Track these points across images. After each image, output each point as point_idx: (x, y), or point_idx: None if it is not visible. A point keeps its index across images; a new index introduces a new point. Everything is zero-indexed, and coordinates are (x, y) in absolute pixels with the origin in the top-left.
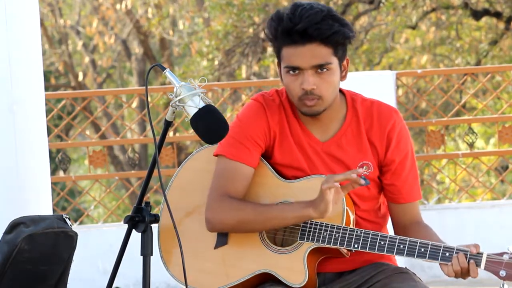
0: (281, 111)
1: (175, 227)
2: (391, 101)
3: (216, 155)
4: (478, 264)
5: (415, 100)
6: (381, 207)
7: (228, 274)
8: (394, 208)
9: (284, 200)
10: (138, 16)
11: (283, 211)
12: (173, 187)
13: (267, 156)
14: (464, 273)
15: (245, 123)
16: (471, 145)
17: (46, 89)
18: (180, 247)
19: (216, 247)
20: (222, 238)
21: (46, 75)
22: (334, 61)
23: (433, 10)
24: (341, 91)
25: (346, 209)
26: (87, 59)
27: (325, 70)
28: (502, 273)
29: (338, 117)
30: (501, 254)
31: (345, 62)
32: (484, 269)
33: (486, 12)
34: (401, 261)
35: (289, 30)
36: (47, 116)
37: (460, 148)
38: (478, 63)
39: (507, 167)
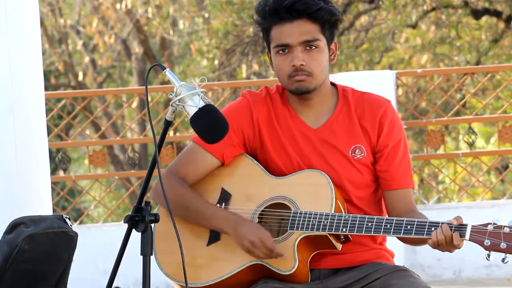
0: (268, 103)
1: (174, 226)
2: (391, 101)
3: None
4: (463, 235)
5: (415, 99)
6: (378, 202)
7: (220, 267)
8: (388, 196)
9: (278, 195)
10: (138, 15)
11: (211, 216)
12: None
13: (258, 151)
14: (448, 243)
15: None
16: (471, 145)
17: (46, 88)
18: (180, 246)
19: (208, 244)
20: (215, 235)
21: (46, 75)
22: (322, 39)
23: (433, 9)
24: (332, 84)
25: (335, 199)
26: (87, 59)
27: (313, 47)
28: (487, 242)
29: (329, 105)
30: (486, 225)
31: (333, 46)
32: (469, 239)
33: (486, 11)
34: (400, 261)
35: (276, 8)
36: (47, 116)
37: (460, 148)
38: (478, 62)
39: (507, 167)
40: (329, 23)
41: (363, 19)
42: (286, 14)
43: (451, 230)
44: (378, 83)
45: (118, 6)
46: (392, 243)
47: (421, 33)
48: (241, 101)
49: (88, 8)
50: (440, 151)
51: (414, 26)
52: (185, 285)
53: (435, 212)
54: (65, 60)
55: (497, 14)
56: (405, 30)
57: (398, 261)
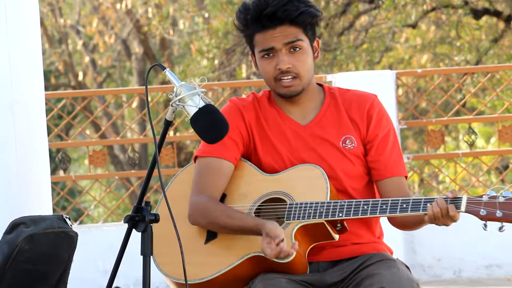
0: (256, 106)
1: (175, 226)
2: (391, 101)
3: (194, 160)
4: (458, 207)
5: (415, 99)
6: (373, 195)
7: (219, 262)
8: (382, 186)
9: (272, 191)
10: (138, 15)
11: (243, 221)
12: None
13: (251, 152)
14: (444, 215)
15: None
16: (471, 145)
17: (46, 88)
18: (180, 246)
19: (206, 242)
20: (212, 233)
21: (46, 75)
22: (305, 39)
23: (433, 9)
24: (318, 84)
25: (330, 188)
26: (87, 59)
27: (298, 49)
28: (483, 212)
29: (317, 102)
30: (481, 196)
31: (315, 43)
32: (465, 211)
33: (486, 11)
34: (401, 259)
35: (258, 16)
36: (47, 116)
37: (460, 148)
38: (478, 62)
39: (507, 167)
40: (310, 25)
41: (363, 19)
42: (268, 22)
43: (447, 202)
44: (378, 83)
45: (118, 6)
46: (392, 242)
47: (421, 33)
48: (231, 106)
49: (88, 8)
50: (440, 151)
51: (414, 26)
52: (185, 283)
53: None
54: (65, 60)
55: (497, 14)
56: (405, 30)
57: (396, 258)
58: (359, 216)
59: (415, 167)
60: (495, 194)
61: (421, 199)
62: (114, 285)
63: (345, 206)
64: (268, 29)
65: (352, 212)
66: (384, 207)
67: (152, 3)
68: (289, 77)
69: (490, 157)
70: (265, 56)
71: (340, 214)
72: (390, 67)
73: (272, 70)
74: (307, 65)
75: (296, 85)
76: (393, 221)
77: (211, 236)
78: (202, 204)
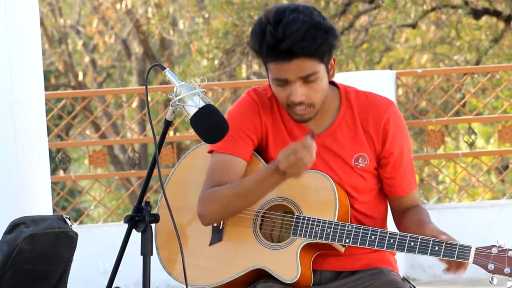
0: (273, 104)
1: (175, 226)
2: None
3: (210, 152)
4: (466, 258)
5: (415, 99)
6: (381, 205)
7: (222, 271)
8: (395, 202)
9: (280, 196)
10: (138, 15)
11: (255, 175)
12: (170, 185)
13: (262, 150)
14: (454, 270)
15: (236, 118)
16: (471, 145)
17: (46, 88)
18: (180, 246)
19: (211, 244)
20: (217, 235)
21: (46, 75)
22: (321, 68)
23: (433, 9)
24: (335, 84)
25: (339, 203)
26: (87, 59)
27: (312, 79)
28: (491, 266)
29: (332, 110)
30: (490, 247)
31: (332, 61)
32: (473, 262)
33: (486, 11)
34: (401, 265)
35: (273, 48)
36: (47, 116)
37: (460, 148)
38: (478, 62)
39: (507, 167)
40: (328, 53)
41: (363, 19)
42: (283, 55)
43: (455, 256)
44: (378, 83)
45: (118, 6)
46: None
47: (421, 33)
48: (249, 100)
49: (88, 8)
50: (440, 151)
51: (414, 26)
52: (185, 285)
53: (435, 212)
54: (65, 60)
55: (497, 14)
56: (405, 30)
57: (399, 261)
58: (366, 246)
59: (415, 167)
60: (504, 248)
61: (429, 240)
62: (114, 285)
63: (353, 233)
64: (283, 61)
65: (359, 240)
66: (391, 241)
67: (152, 3)
68: (303, 106)
69: (490, 157)
70: (278, 83)
71: (347, 241)
72: (390, 67)
73: (285, 98)
74: (321, 92)
75: (309, 113)
76: (399, 227)
77: (216, 238)
78: (210, 193)
